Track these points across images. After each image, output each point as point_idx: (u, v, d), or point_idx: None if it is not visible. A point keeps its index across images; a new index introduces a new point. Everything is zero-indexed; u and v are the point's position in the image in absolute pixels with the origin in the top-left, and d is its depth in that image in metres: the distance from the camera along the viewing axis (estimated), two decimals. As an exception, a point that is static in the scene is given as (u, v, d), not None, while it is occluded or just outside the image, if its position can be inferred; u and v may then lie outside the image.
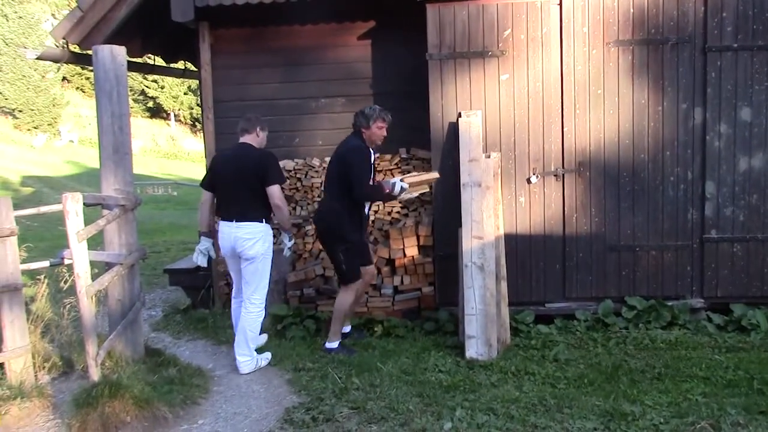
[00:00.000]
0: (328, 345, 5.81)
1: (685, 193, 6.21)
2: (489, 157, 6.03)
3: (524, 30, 6.21)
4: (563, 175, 6.27)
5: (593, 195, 6.26)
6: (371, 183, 5.67)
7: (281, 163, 7.06)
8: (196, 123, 42.95)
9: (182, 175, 30.17)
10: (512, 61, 6.24)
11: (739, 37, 6.07)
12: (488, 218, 5.77)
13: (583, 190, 6.27)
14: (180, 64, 10.13)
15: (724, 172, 6.18)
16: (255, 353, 5.60)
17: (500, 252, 5.95)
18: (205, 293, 7.41)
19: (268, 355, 5.73)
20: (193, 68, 9.95)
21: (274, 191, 5.33)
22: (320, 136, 7.27)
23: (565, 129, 6.24)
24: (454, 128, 6.26)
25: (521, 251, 6.32)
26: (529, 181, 6.28)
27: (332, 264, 5.88)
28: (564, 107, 6.23)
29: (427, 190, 6.17)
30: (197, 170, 30.18)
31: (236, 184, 5.35)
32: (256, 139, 5.53)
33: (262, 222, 5.39)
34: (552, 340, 5.93)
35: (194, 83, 28.77)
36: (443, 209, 6.38)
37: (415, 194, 5.88)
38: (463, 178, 5.90)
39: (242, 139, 5.51)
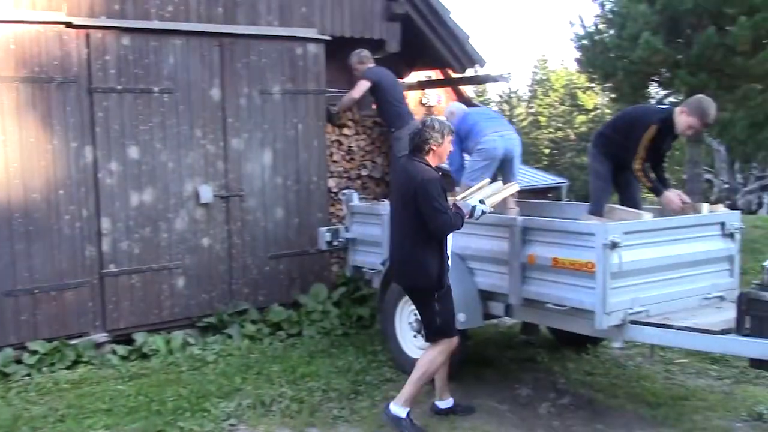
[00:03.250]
0: (392, 411, 4.69)
1: (81, 230, 6.26)
2: None
3: None
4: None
5: (-17, 239, 5.87)
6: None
7: None
8: None
9: None
10: None
11: (122, 79, 6.40)
12: None
13: (-29, 234, 5.82)
14: None
15: (117, 208, 6.43)
16: None
17: None
18: None
19: None
20: None
21: None
22: None
23: (-55, 169, 5.71)
24: None
25: None
26: None
27: (422, 320, 4.83)
28: (-58, 145, 5.71)
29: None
30: None
31: None
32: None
33: None
34: (-58, 403, 5.34)
35: None
36: None
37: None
38: None
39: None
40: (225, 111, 6.90)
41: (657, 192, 5.53)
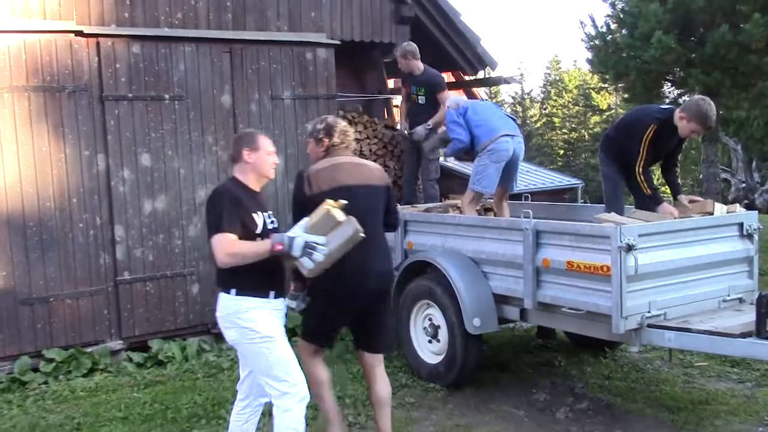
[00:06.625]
0: None
1: (95, 238, 6.27)
2: None
3: None
4: (-39, 229, 5.75)
5: (-2, 248, 5.89)
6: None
7: None
8: None
9: None
10: None
11: (133, 87, 6.41)
12: None
13: (-15, 243, 5.84)
14: None
15: (131, 215, 6.43)
16: None
17: None
18: None
19: None
20: None
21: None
22: None
23: (-41, 179, 5.74)
24: None
25: None
26: None
27: (388, 325, 4.46)
28: (-44, 155, 5.73)
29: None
30: None
31: None
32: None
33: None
34: (-42, 412, 5.36)
35: None
36: None
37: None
38: None
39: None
40: (236, 117, 6.89)
41: (656, 201, 5.39)
